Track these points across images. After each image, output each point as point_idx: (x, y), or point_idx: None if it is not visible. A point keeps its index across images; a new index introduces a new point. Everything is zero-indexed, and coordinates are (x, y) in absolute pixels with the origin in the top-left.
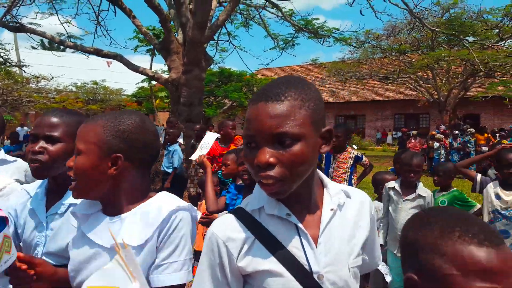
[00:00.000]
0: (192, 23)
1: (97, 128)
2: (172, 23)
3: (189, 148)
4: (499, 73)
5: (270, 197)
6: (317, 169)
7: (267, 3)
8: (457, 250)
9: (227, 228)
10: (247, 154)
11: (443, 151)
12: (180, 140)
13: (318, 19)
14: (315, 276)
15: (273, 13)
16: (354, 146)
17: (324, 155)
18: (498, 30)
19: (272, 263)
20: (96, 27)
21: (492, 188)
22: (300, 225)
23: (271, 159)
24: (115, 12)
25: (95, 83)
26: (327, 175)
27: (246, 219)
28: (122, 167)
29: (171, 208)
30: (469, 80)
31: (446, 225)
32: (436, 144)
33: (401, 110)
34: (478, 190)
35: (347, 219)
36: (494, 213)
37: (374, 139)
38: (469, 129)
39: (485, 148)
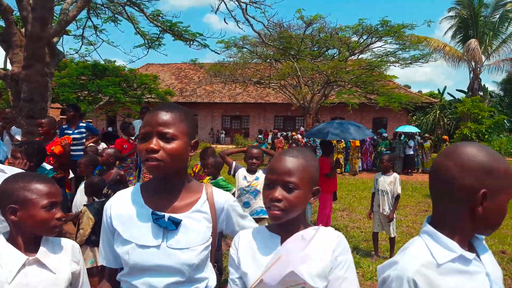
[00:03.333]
0: (31, 18)
1: None
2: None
3: None
4: (347, 83)
5: None
6: None
7: (127, 2)
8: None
9: None
10: None
11: None
12: (18, 137)
13: (182, 22)
14: None
15: (140, 11)
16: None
17: None
18: (347, 45)
19: None
20: None
21: (241, 172)
22: None
23: None
24: None
25: None
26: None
27: None
28: None
29: None
30: (329, 88)
31: None
32: (294, 144)
33: (280, 112)
34: (232, 174)
35: None
36: (241, 190)
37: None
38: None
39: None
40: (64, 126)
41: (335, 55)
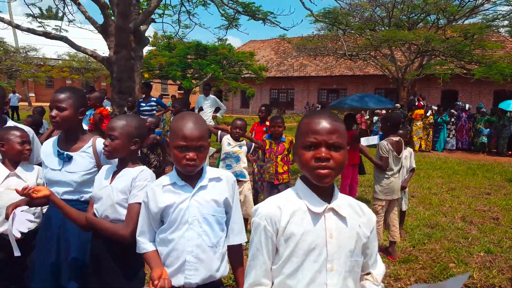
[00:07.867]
0: (116, 12)
1: None
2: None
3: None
4: (440, 53)
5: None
6: None
7: None
8: None
9: None
10: None
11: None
12: (108, 108)
13: (253, 3)
14: None
15: None
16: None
17: None
18: (443, 11)
19: None
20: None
21: (226, 139)
22: None
23: None
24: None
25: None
26: None
27: None
28: None
29: None
30: (425, 58)
31: None
32: (375, 118)
33: (381, 85)
34: (219, 141)
35: None
36: (225, 154)
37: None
38: (397, 105)
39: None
40: (140, 100)
41: (434, 21)
